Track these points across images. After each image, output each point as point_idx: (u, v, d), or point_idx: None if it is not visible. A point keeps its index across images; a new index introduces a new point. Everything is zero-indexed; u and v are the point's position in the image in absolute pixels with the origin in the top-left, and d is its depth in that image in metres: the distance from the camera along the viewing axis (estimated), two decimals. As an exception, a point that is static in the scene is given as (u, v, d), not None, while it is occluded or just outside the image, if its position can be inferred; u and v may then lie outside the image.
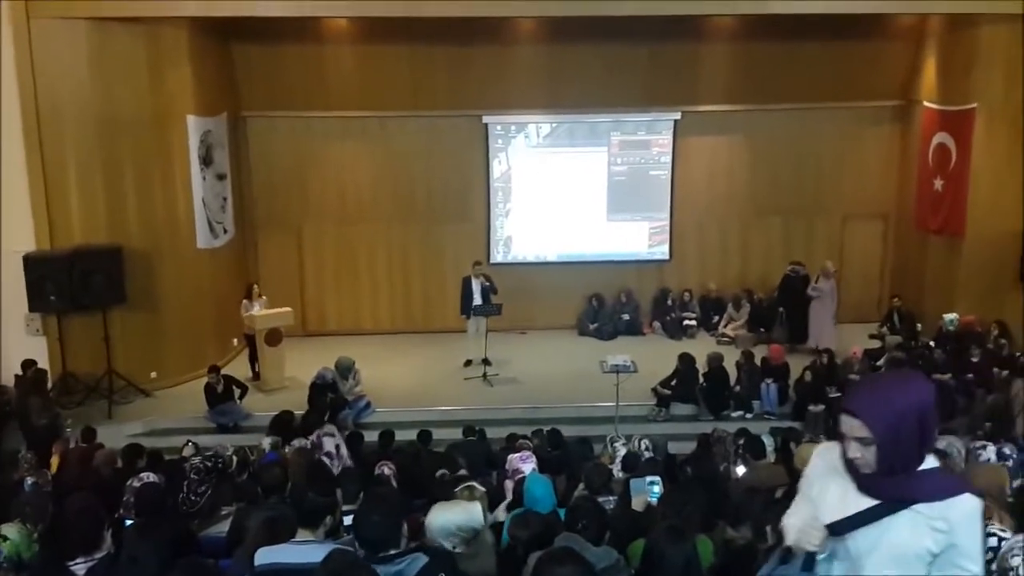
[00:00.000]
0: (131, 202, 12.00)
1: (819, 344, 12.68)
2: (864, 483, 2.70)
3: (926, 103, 14.00)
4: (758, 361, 12.05)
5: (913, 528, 2.63)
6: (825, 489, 2.82)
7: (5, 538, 4.52)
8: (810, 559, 2.70)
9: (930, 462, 2.68)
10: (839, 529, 2.68)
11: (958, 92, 13.08)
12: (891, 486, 2.65)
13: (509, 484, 6.77)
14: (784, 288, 13.93)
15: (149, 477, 6.23)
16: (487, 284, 13.14)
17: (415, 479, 7.58)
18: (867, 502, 2.68)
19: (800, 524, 2.74)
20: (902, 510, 2.63)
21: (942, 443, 7.69)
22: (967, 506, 2.61)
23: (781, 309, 13.98)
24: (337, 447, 8.47)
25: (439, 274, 14.84)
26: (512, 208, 15.03)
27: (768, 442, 7.84)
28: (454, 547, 4.44)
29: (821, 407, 11.15)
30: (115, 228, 11.83)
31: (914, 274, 14.49)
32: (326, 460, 7.53)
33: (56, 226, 11.63)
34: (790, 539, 2.76)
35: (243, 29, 13.32)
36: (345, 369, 11.66)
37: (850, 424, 2.65)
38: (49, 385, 11.24)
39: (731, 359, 12.15)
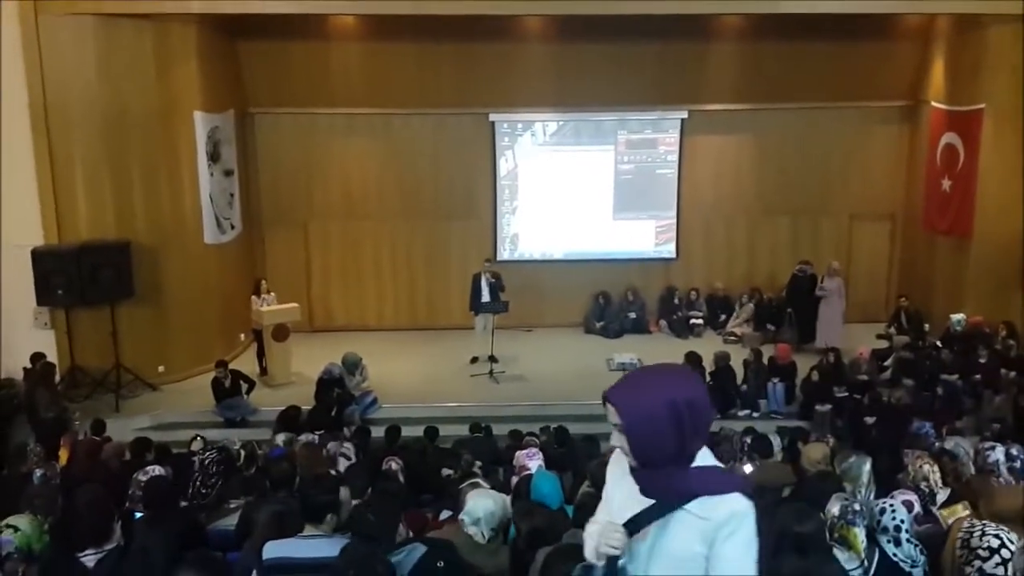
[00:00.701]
0: (139, 197, 12.03)
1: (827, 343, 12.65)
2: (636, 479, 2.60)
3: (934, 103, 13.97)
4: (765, 360, 12.05)
5: (684, 528, 2.51)
6: (617, 489, 2.72)
7: (16, 529, 4.54)
8: (612, 565, 2.53)
9: (705, 459, 2.56)
10: (629, 529, 2.55)
11: (966, 92, 13.05)
12: (655, 480, 2.55)
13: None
14: (792, 288, 13.93)
15: (157, 470, 6.24)
16: (495, 281, 13.15)
17: (421, 475, 7.60)
18: (648, 502, 2.56)
19: (599, 528, 2.59)
20: (677, 509, 2.52)
21: (949, 444, 7.69)
22: (734, 506, 2.48)
23: (789, 309, 13.97)
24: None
25: (445, 271, 14.85)
26: (519, 206, 15.03)
27: (775, 441, 7.83)
28: (484, 535, 4.45)
29: (828, 407, 11.14)
30: (123, 223, 11.87)
31: (922, 274, 14.46)
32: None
33: (64, 221, 11.68)
34: (589, 546, 2.60)
35: (250, 26, 13.32)
36: (352, 365, 11.68)
37: (608, 410, 2.58)
38: (57, 379, 11.28)
39: (738, 358, 12.14)
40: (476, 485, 5.90)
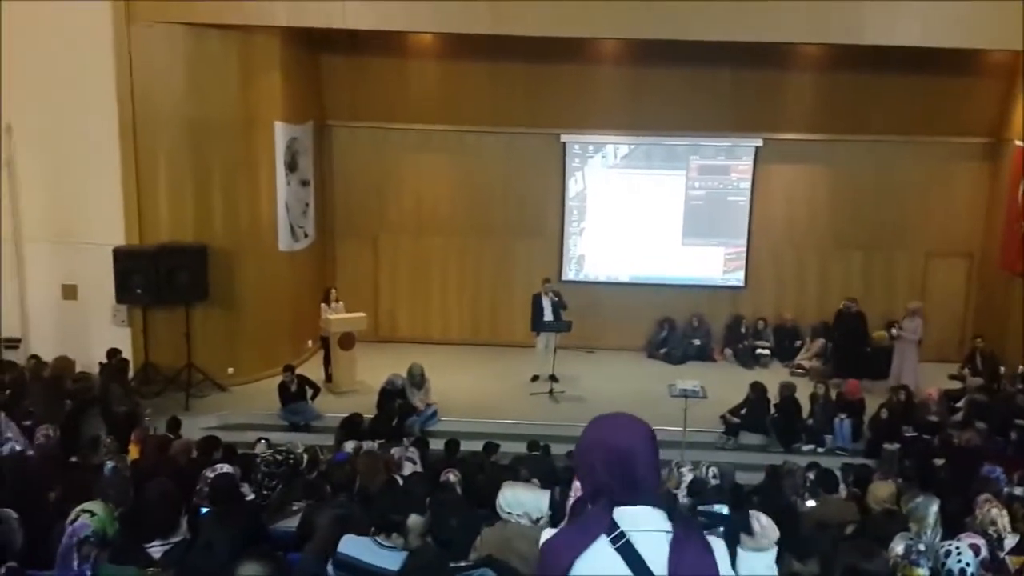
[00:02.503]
0: (217, 203, 12.38)
1: (906, 382, 12.40)
2: None
3: (1017, 142, 13.61)
4: (833, 395, 11.83)
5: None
6: None
7: (92, 514, 4.70)
8: None
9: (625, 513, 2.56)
10: None
11: (1051, 132, 12.71)
12: None
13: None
14: (837, 323, 13.76)
15: (225, 468, 6.39)
16: (557, 300, 13.16)
17: (479, 488, 7.62)
18: None
19: None
20: None
21: (1020, 490, 7.47)
22: None
23: (829, 343, 13.92)
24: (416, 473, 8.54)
25: (510, 289, 14.91)
26: (586, 227, 15.05)
27: (840, 475, 7.68)
28: (519, 521, 4.50)
29: (896, 446, 10.88)
30: (201, 227, 12.22)
31: (998, 316, 14.05)
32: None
33: (145, 222, 12.07)
34: None
35: (331, 40, 13.63)
36: (416, 377, 11.79)
37: None
38: (131, 374, 11.62)
39: (804, 391, 11.94)
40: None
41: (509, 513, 4.67)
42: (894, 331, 13.15)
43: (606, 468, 2.60)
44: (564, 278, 14.85)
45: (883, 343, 14.15)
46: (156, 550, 4.64)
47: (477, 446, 9.65)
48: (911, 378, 12.61)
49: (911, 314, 13.06)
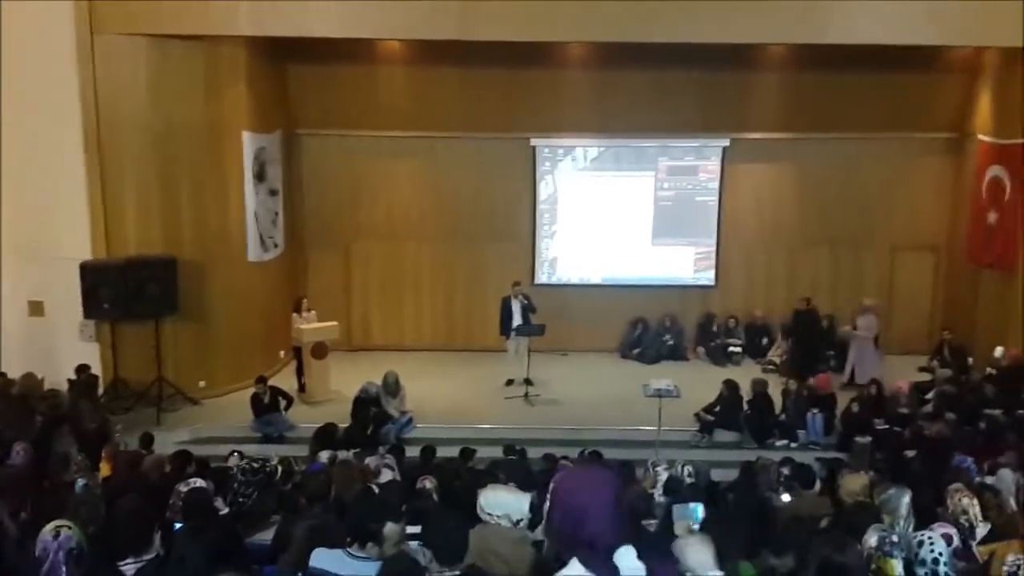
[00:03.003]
0: (185, 214, 12.27)
1: (864, 379, 12.55)
2: None
3: (980, 136, 13.83)
4: (804, 390, 11.93)
5: None
6: None
7: (70, 527, 4.63)
8: None
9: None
10: None
11: (1013, 126, 12.89)
12: None
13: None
14: (795, 322, 13.88)
15: (198, 482, 6.33)
16: (526, 303, 13.18)
17: (456, 494, 7.61)
18: None
19: None
20: None
21: (990, 478, 7.57)
22: None
23: (787, 341, 14.09)
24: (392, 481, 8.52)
25: (483, 293, 14.90)
26: (557, 230, 15.09)
27: (818, 467, 7.72)
28: (499, 523, 4.51)
29: (868, 439, 10.99)
30: (169, 239, 12.11)
31: (965, 308, 14.25)
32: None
33: (112, 236, 11.94)
34: None
35: (299, 49, 13.57)
36: (391, 385, 11.75)
37: None
38: (100, 391, 11.48)
39: (777, 387, 12.04)
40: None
41: (489, 515, 4.67)
42: (848, 328, 13.24)
43: (563, 526, 2.76)
44: (536, 281, 14.87)
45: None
46: (129, 567, 4.58)
47: (453, 452, 9.63)
48: (875, 373, 12.66)
49: (865, 311, 13.18)
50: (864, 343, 13.23)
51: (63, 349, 11.85)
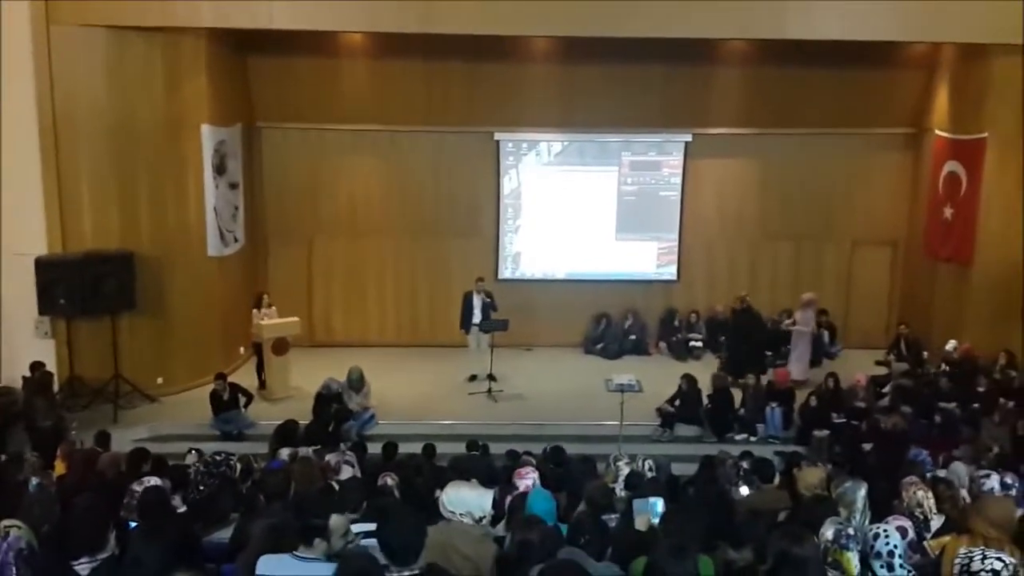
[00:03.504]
0: (143, 209, 12.10)
1: (796, 378, 12.63)
2: None
3: (937, 131, 14.05)
4: (763, 385, 12.06)
5: None
6: None
7: (19, 527, 4.55)
8: None
9: None
10: None
11: (969, 121, 13.13)
12: None
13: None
14: (733, 322, 13.66)
15: (153, 481, 6.24)
16: (488, 300, 13.18)
17: (417, 491, 7.59)
18: None
19: None
20: None
21: (945, 471, 7.70)
22: None
23: (723, 338, 13.92)
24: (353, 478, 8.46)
25: (446, 288, 14.86)
26: (521, 225, 15.09)
27: (777, 465, 7.80)
28: (461, 520, 4.49)
29: (825, 432, 11.14)
30: (127, 234, 11.92)
31: (922, 301, 14.48)
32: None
33: (68, 230, 11.73)
34: None
35: (259, 41, 13.43)
36: (355, 381, 11.67)
37: None
38: (56, 388, 11.28)
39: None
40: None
41: (452, 512, 4.66)
42: (788, 322, 13.35)
43: None
44: (500, 276, 14.87)
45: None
46: (84, 567, 4.51)
47: (416, 448, 9.62)
48: (798, 368, 12.84)
49: (804, 306, 13.18)
50: (801, 337, 13.21)
51: (18, 346, 11.61)
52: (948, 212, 13.56)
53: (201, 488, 6.54)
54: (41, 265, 11.24)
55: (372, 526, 5.16)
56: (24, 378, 11.04)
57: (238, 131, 13.67)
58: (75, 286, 11.25)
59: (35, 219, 11.57)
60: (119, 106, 11.69)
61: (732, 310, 13.76)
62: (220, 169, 13.01)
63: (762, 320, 13.72)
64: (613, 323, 15.06)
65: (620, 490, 7.57)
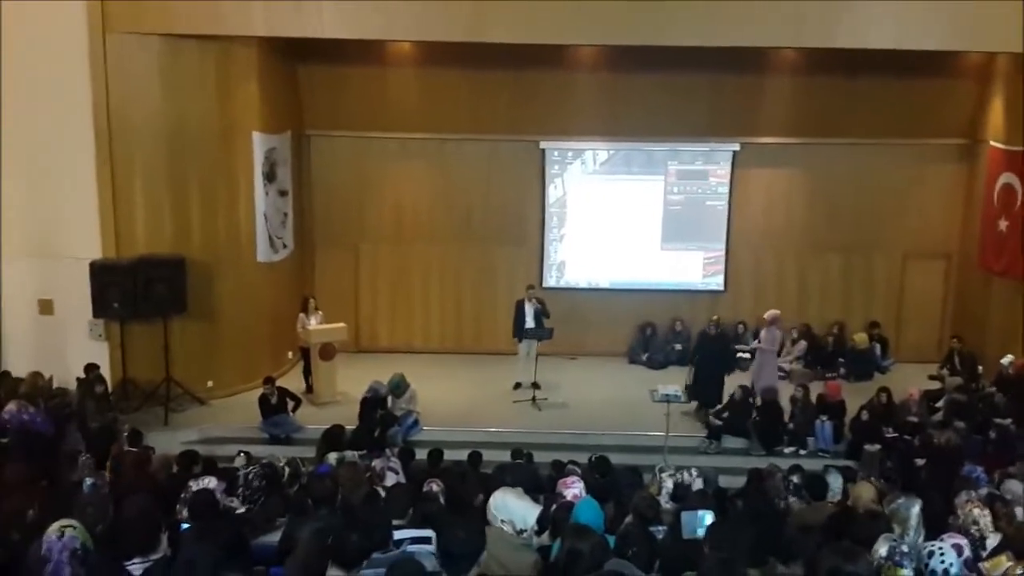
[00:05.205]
0: (195, 214, 12.30)
1: (762, 392, 11.99)
2: None
3: (992, 143, 13.75)
4: (813, 397, 11.88)
5: None
6: None
7: (75, 527, 4.63)
8: None
9: None
10: None
11: (1025, 132, 12.84)
12: None
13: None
14: (699, 345, 12.75)
15: (209, 482, 6.33)
16: (540, 307, 13.16)
17: (462, 498, 7.59)
18: None
19: None
20: None
21: (1001, 488, 7.51)
22: None
23: (691, 367, 12.51)
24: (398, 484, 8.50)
25: (491, 296, 14.89)
26: (566, 233, 15.06)
27: (835, 481, 7.63)
28: (502, 527, 4.49)
29: (877, 447, 10.93)
30: (179, 239, 12.12)
31: (977, 316, 14.17)
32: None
33: (122, 235, 11.95)
34: None
35: (309, 50, 13.59)
36: (396, 387, 11.72)
37: None
38: (109, 390, 11.49)
39: (786, 394, 11.99)
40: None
41: (495, 517, 4.66)
42: (755, 343, 12.93)
43: None
44: (545, 285, 14.84)
45: (863, 346, 14.27)
46: (136, 567, 4.59)
47: (461, 455, 9.60)
48: (770, 386, 12.17)
49: (768, 325, 12.64)
50: (766, 356, 12.57)
51: (73, 348, 11.87)
52: (1003, 225, 13.27)
53: (249, 504, 6.60)
54: (96, 269, 11.47)
55: (419, 532, 5.19)
56: (78, 379, 11.26)
57: (288, 138, 13.84)
58: (128, 290, 11.47)
59: (90, 224, 11.83)
60: (172, 113, 11.90)
61: (701, 333, 13.06)
62: (270, 176, 13.18)
63: (730, 349, 13.12)
64: (658, 333, 14.96)
65: (665, 502, 7.52)
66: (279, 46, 13.07)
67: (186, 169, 12.13)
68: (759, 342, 12.73)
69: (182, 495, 6.14)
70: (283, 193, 13.70)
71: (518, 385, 13.19)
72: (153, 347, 11.92)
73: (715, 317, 13.31)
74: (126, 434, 9.57)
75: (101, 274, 11.48)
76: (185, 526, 5.52)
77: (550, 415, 12.41)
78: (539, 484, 8.64)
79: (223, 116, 12.30)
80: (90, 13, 11.44)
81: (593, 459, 9.45)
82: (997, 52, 13.20)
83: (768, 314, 12.77)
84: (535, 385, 12.92)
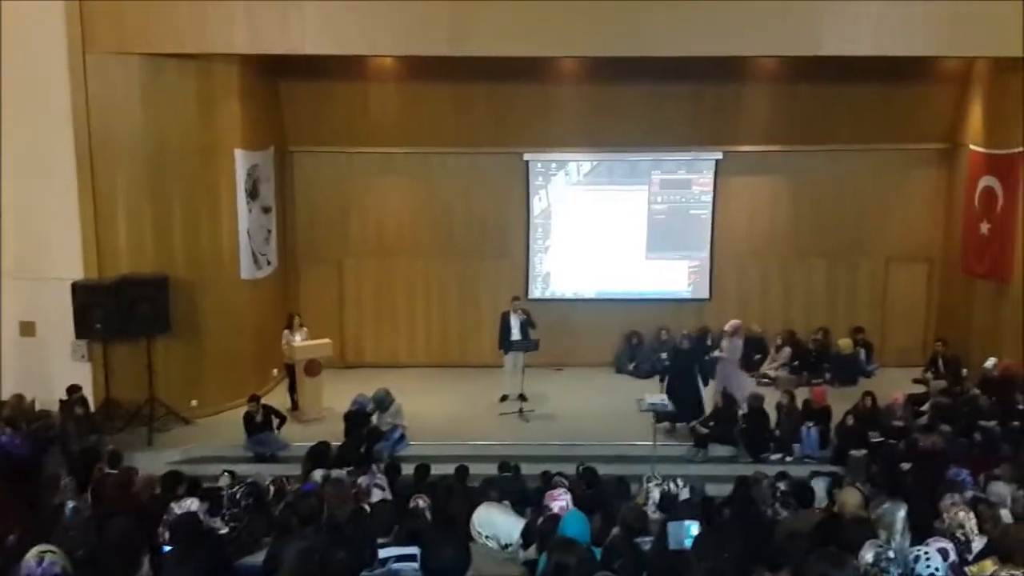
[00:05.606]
0: (178, 233, 12.24)
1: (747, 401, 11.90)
2: None
3: (972, 146, 13.87)
4: (799, 403, 11.90)
5: None
6: None
7: (53, 552, 4.58)
8: None
9: None
10: None
11: (1005, 136, 12.93)
12: None
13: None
14: (674, 361, 12.58)
15: (192, 504, 6.28)
16: (525, 319, 13.15)
17: (448, 514, 7.56)
18: None
19: None
20: None
21: (986, 491, 7.53)
22: None
23: (663, 380, 12.36)
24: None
25: (476, 309, 14.88)
26: (551, 244, 15.07)
27: (820, 486, 7.64)
28: (486, 544, 4.46)
29: (863, 451, 10.95)
30: (161, 258, 12.06)
31: (960, 319, 14.25)
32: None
33: (104, 255, 11.89)
34: None
35: (291, 66, 13.58)
36: (380, 401, 11.67)
37: None
38: (91, 411, 11.39)
39: (771, 401, 12.00)
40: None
41: (479, 533, 4.63)
42: (716, 352, 12.77)
43: None
44: (531, 296, 14.84)
45: (848, 351, 14.32)
46: (118, 590, 4.53)
47: (448, 469, 9.57)
48: (738, 395, 12.15)
49: (729, 335, 12.61)
50: (728, 365, 12.51)
51: (55, 369, 11.78)
52: (985, 228, 13.36)
53: (233, 524, 6.54)
54: (78, 289, 11.38)
55: (404, 550, 5.15)
56: (61, 401, 11.17)
57: (270, 155, 13.82)
58: (111, 310, 11.38)
59: (72, 244, 11.75)
60: (154, 132, 11.86)
61: (673, 347, 12.97)
62: (253, 193, 13.15)
63: (704, 360, 12.55)
64: (644, 342, 14.97)
65: (652, 512, 7.51)
66: (260, 63, 13.04)
67: (168, 188, 12.08)
68: (720, 352, 12.64)
69: (164, 517, 6.08)
70: (266, 210, 13.67)
71: (504, 397, 13.16)
72: (137, 367, 11.83)
73: (685, 331, 13.31)
74: (106, 454, 9.47)
75: (83, 295, 11.39)
76: (168, 548, 5.46)
77: (537, 427, 12.38)
78: (526, 497, 8.62)
79: (205, 134, 12.27)
80: (70, 33, 11.40)
81: (580, 470, 9.44)
82: (976, 57, 13.31)
83: (729, 324, 12.75)
84: (522, 397, 12.90)
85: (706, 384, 12.32)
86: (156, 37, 11.42)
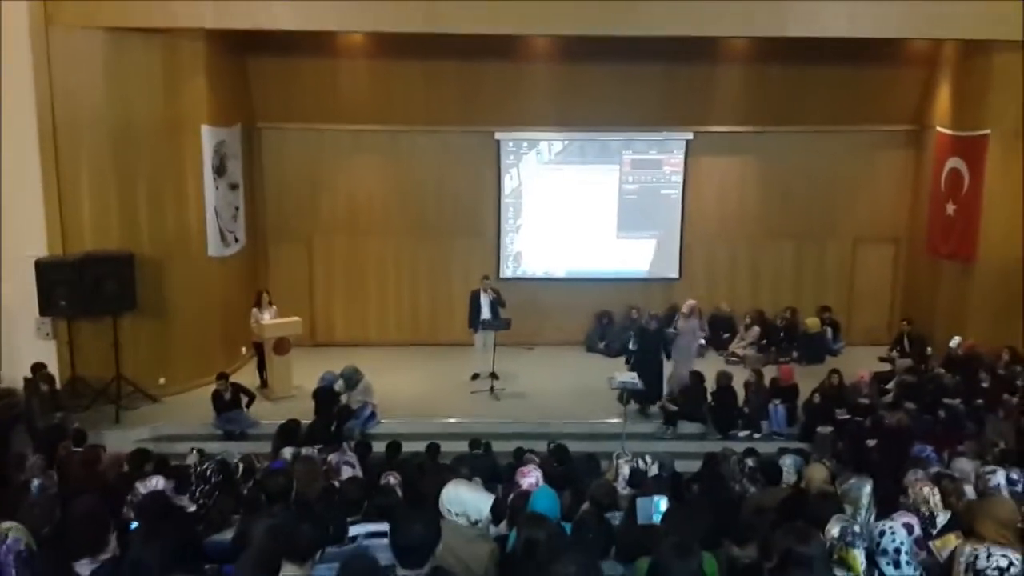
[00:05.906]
0: (143, 209, 12.07)
1: (677, 382, 12.05)
2: None
3: (939, 128, 14.00)
4: (767, 381, 12.02)
5: None
6: None
7: (16, 528, 4.54)
8: None
9: None
10: None
11: (971, 118, 13.08)
12: None
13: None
14: (639, 340, 12.32)
15: (158, 482, 6.23)
16: (495, 298, 13.15)
17: (419, 490, 7.56)
18: None
19: None
20: None
21: (950, 467, 7.67)
22: None
23: (629, 361, 12.31)
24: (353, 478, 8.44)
25: (447, 287, 14.86)
26: (522, 224, 15.06)
27: (791, 463, 7.70)
28: (456, 521, 4.47)
29: (829, 428, 11.11)
30: (127, 235, 11.89)
31: (925, 298, 14.44)
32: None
33: (69, 232, 11.69)
34: None
35: (259, 42, 13.40)
36: (348, 379, 11.63)
37: None
38: (56, 388, 11.25)
39: (740, 379, 12.11)
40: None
41: (448, 511, 4.63)
42: (670, 330, 12.68)
43: None
44: (502, 275, 14.84)
45: (815, 330, 14.48)
46: (84, 568, 4.49)
47: (419, 447, 9.60)
48: (683, 372, 12.19)
49: (687, 316, 12.60)
50: (682, 343, 12.45)
51: (20, 347, 11.59)
52: (951, 209, 13.52)
53: (201, 501, 6.49)
54: (42, 267, 11.20)
55: (375, 526, 5.15)
56: (26, 379, 11.02)
57: (238, 132, 13.65)
58: (76, 287, 11.22)
59: (35, 221, 11.54)
60: (118, 108, 11.65)
61: (639, 328, 12.80)
62: (220, 170, 12.99)
63: (667, 339, 12.39)
64: (615, 321, 15.03)
65: (622, 488, 7.56)
66: (228, 39, 12.85)
67: (133, 164, 11.89)
68: (674, 330, 12.60)
69: (128, 497, 6.02)
70: (234, 187, 13.52)
71: (476, 376, 13.17)
72: (103, 345, 11.69)
73: (652, 312, 13.21)
74: (71, 432, 9.38)
75: (47, 272, 11.21)
76: (134, 525, 5.42)
77: (508, 405, 12.41)
78: (497, 474, 8.65)
79: (170, 110, 12.08)
80: (32, 6, 11.14)
81: (551, 447, 9.48)
82: (943, 39, 13.41)
83: (686, 305, 12.77)
84: (493, 375, 12.92)
85: (669, 358, 12.37)
86: (121, 11, 11.18)
